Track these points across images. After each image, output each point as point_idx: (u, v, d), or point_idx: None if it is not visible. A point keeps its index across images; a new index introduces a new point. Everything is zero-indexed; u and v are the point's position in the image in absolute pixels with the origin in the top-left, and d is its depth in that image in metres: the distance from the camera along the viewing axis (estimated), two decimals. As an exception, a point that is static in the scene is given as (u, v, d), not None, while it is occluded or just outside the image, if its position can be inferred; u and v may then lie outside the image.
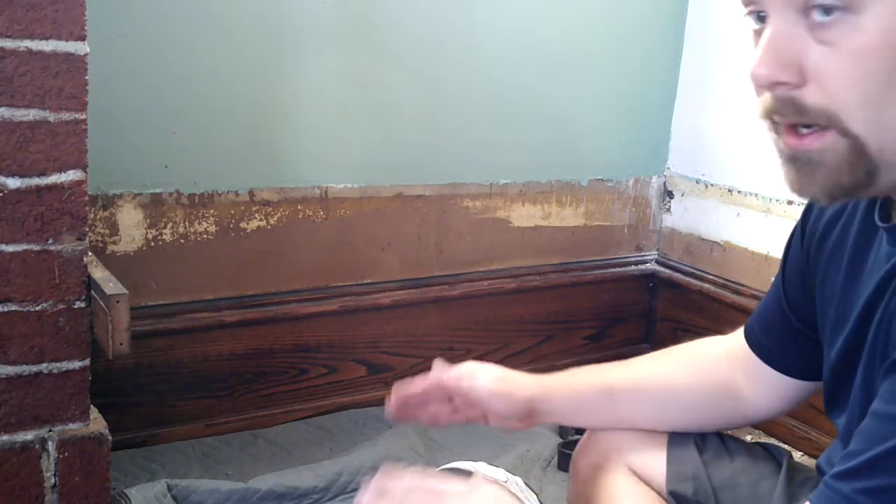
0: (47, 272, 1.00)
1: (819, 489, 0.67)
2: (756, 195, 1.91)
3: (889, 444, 0.63)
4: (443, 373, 0.97)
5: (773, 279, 0.96)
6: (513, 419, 0.96)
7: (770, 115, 0.67)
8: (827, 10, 0.62)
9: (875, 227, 0.75)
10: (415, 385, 0.97)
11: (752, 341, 0.95)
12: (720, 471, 0.93)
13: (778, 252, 0.95)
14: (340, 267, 1.75)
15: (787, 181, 0.69)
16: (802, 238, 0.88)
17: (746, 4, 0.68)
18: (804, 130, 0.66)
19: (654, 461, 0.96)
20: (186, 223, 1.59)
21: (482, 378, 0.95)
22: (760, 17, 0.67)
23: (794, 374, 0.93)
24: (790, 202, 1.80)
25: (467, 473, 1.14)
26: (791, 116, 0.66)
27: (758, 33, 0.67)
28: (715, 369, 0.97)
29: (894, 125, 0.63)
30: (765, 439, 1.75)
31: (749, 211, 1.93)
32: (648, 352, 2.15)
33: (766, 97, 0.67)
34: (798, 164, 0.67)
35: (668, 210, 2.14)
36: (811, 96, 0.64)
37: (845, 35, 0.62)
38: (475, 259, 1.91)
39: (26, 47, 0.94)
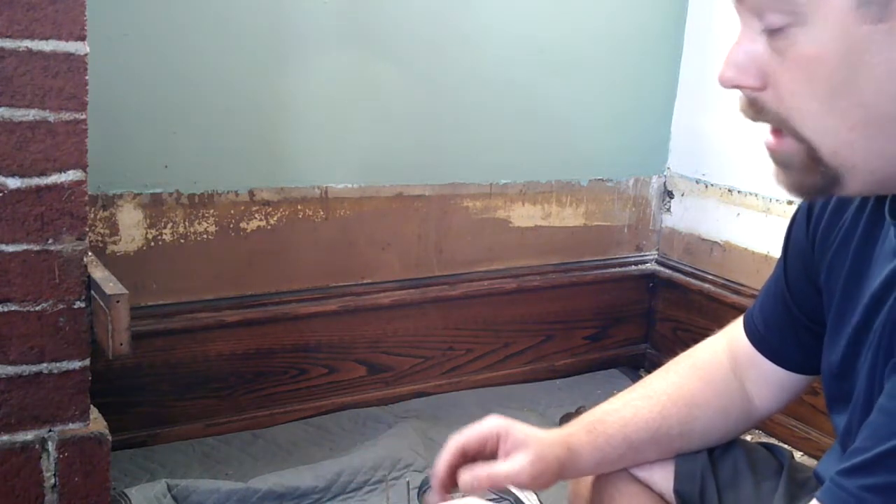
0: (47, 272, 1.00)
1: (825, 486, 0.66)
2: (756, 195, 1.91)
3: None
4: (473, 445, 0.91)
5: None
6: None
7: (742, 113, 0.72)
8: (776, 20, 0.65)
9: (882, 219, 0.74)
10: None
11: (755, 336, 0.94)
12: (724, 470, 0.93)
13: (778, 252, 0.94)
14: (340, 267, 1.75)
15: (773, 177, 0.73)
16: (808, 224, 0.88)
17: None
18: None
19: (656, 464, 0.95)
20: (186, 223, 1.58)
21: (513, 452, 0.89)
22: None
23: (793, 367, 0.92)
24: (790, 202, 1.80)
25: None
26: (753, 116, 0.70)
27: None
28: (728, 392, 0.95)
29: (842, 134, 0.65)
30: (765, 440, 1.75)
31: (749, 211, 1.93)
32: (648, 352, 2.17)
33: (741, 97, 0.71)
34: (775, 164, 0.71)
35: (668, 210, 2.14)
36: (769, 100, 0.68)
37: (791, 45, 0.65)
38: (475, 259, 1.91)
39: (26, 47, 0.95)
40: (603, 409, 0.96)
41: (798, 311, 0.90)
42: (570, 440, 0.92)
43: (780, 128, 0.68)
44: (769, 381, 0.94)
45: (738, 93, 0.71)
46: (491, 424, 0.90)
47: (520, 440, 0.89)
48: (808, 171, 0.68)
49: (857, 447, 0.66)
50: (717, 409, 0.95)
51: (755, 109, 0.70)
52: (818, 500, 0.66)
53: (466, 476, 0.86)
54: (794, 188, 0.71)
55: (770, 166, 0.72)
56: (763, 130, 0.71)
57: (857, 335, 0.76)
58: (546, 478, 0.89)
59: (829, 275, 0.83)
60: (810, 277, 0.88)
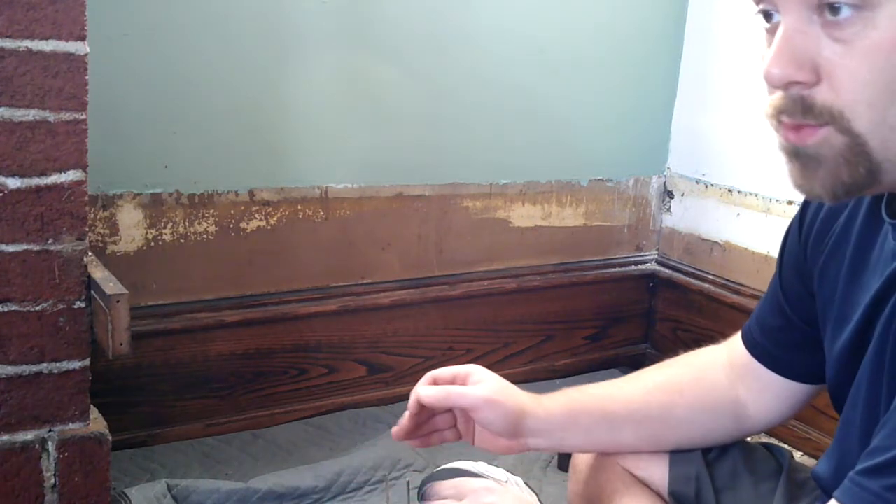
0: (47, 272, 1.00)
1: (844, 486, 0.65)
2: (756, 195, 1.91)
3: None
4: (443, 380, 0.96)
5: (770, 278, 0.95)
6: (500, 433, 0.93)
7: (778, 114, 0.67)
8: (841, 7, 0.61)
9: (880, 221, 0.74)
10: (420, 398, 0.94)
11: (751, 343, 0.94)
12: (722, 471, 0.93)
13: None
14: (340, 267, 1.75)
15: (791, 179, 0.69)
16: (800, 231, 0.87)
17: (758, 3, 0.67)
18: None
19: (653, 463, 0.95)
20: (186, 223, 1.59)
21: (478, 384, 0.93)
22: (770, 16, 0.67)
23: (794, 376, 0.92)
24: (790, 202, 1.80)
25: (467, 473, 1.14)
26: (798, 117, 0.65)
27: (770, 32, 0.67)
28: (717, 392, 0.95)
29: None
30: (765, 439, 1.74)
31: (749, 211, 1.93)
32: (648, 352, 2.17)
33: (777, 96, 0.66)
34: (800, 161, 0.67)
35: (668, 210, 2.14)
36: (821, 94, 0.64)
37: (859, 32, 0.61)
38: (475, 259, 1.91)
39: (26, 47, 0.94)
40: (588, 385, 0.98)
41: (795, 317, 0.90)
42: (543, 398, 0.95)
43: (829, 123, 0.64)
44: (767, 390, 0.93)
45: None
46: (465, 366, 0.96)
47: (486, 376, 0.94)
48: (846, 166, 0.64)
49: (877, 447, 0.65)
50: (704, 403, 0.95)
51: (802, 108, 0.65)
52: (838, 500, 0.65)
53: (427, 388, 0.93)
54: (824, 189, 0.66)
55: (778, 168, 0.67)
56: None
57: (859, 336, 0.76)
58: (504, 419, 0.91)
59: (823, 279, 0.83)
60: (804, 283, 0.88)
